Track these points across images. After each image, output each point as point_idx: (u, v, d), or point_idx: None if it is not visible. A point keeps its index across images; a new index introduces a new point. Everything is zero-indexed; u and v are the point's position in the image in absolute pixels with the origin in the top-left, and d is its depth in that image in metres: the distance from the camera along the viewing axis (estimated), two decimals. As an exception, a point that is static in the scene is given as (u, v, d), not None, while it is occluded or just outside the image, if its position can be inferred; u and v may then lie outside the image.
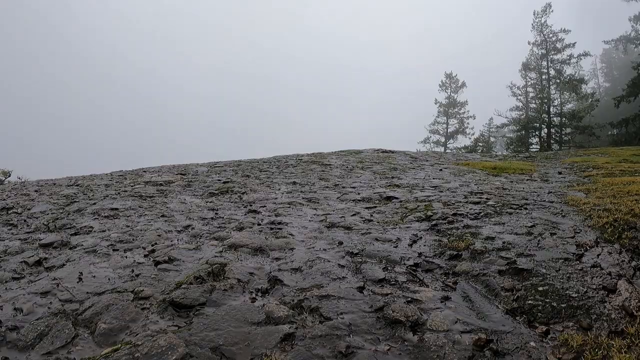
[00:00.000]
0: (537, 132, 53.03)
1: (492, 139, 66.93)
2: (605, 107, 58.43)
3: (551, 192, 8.45)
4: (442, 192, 8.30)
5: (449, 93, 63.01)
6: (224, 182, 9.62)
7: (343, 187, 9.11)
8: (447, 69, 64.03)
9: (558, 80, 53.02)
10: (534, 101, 57.50)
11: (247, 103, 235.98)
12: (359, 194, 8.28)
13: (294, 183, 9.67)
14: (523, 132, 53.28)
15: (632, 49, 52.05)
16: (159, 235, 5.12)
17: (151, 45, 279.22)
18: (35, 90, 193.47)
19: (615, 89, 71.80)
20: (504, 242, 4.53)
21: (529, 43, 55.64)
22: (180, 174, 11.04)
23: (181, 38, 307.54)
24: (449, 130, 61.83)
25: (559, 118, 52.26)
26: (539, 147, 51.94)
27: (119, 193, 8.29)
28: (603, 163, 16.01)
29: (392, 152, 18.88)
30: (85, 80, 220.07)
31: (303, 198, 7.75)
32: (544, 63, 54.46)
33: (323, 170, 11.74)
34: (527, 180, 11.22)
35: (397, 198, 7.62)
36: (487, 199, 7.24)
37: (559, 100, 53.97)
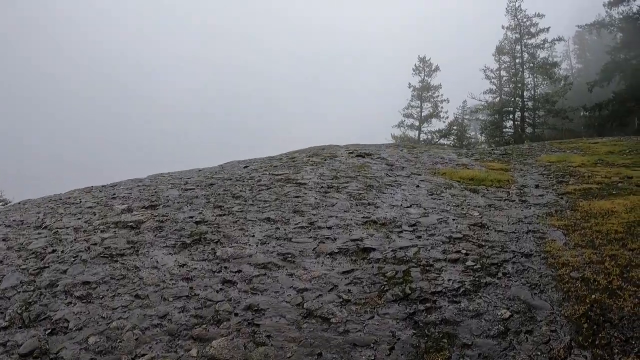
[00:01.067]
0: (511, 116, 53.57)
1: (466, 122, 67.49)
2: (578, 89, 58.85)
3: (530, 230, 8.53)
4: (420, 237, 8.28)
5: (422, 77, 63.13)
6: (197, 222, 9.43)
7: (319, 228, 9.01)
8: (421, 54, 63.93)
9: (532, 65, 53.50)
10: (507, 84, 58.05)
11: (233, 95, 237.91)
12: (334, 240, 8.21)
13: (268, 220, 9.53)
14: (497, 116, 53.77)
15: (606, 34, 52.59)
16: (137, 339, 5.02)
17: (147, 46, 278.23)
18: (36, 95, 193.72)
19: (588, 70, 72.68)
20: (479, 355, 4.53)
21: (503, 27, 56.06)
22: (151, 206, 10.80)
23: (179, 37, 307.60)
24: (423, 114, 62.06)
25: (532, 102, 52.87)
26: (512, 130, 52.53)
27: (88, 247, 8.08)
28: (579, 166, 16.12)
29: (368, 155, 18.68)
30: (85, 82, 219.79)
31: (278, 254, 7.63)
32: (518, 47, 54.87)
33: (297, 197, 11.56)
34: (505, 200, 11.29)
35: (374, 250, 7.59)
36: (466, 254, 7.25)
37: (532, 83, 54.56)
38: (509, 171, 16.43)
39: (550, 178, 14.41)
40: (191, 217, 9.83)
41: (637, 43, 44.86)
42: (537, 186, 13.24)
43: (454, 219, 9.50)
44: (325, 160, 17.40)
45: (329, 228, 9.04)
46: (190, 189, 12.71)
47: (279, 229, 9.08)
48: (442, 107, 62.03)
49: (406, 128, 62.27)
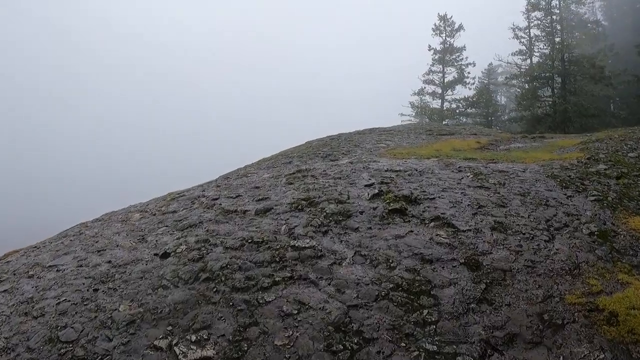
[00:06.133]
0: (548, 82, 42.21)
1: (492, 87, 56.17)
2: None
3: None
4: None
5: (444, 38, 51.43)
6: None
7: None
8: (441, 11, 51.96)
9: (573, 23, 41.72)
10: (538, 44, 46.40)
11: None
12: None
13: None
14: (532, 84, 42.37)
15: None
16: None
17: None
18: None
19: (614, 28, 60.06)
20: None
21: (539, -21, 43.81)
22: None
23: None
24: (446, 79, 50.77)
25: (571, 66, 41.12)
26: (551, 100, 41.28)
27: None
28: None
29: (412, 203, 8.42)
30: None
31: None
32: (555, 2, 42.85)
33: None
34: None
35: None
36: None
37: (568, 44, 42.88)
38: None
39: None
40: None
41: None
42: None
43: None
44: (330, 222, 7.41)
45: None
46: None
47: None
48: (468, 73, 50.62)
49: (427, 96, 51.15)
